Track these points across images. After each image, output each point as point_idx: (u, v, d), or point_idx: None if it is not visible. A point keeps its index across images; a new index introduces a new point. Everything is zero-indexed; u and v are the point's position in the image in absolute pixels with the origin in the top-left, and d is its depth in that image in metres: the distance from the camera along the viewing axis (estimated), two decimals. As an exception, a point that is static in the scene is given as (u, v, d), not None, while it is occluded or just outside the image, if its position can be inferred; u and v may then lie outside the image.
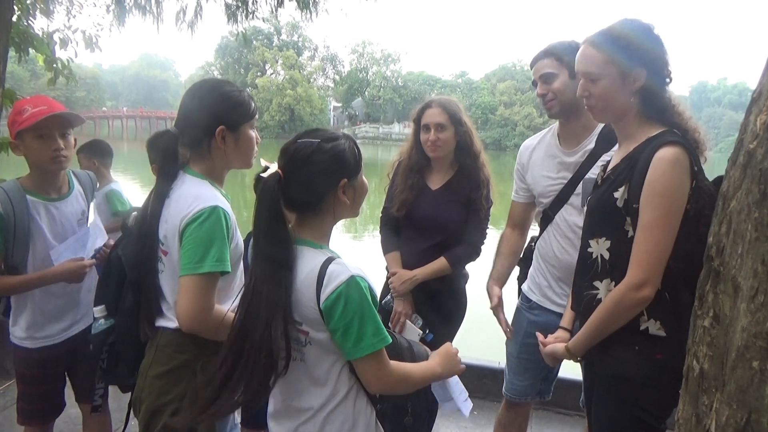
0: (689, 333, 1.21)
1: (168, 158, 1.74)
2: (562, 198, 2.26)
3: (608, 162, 1.87)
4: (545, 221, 2.36)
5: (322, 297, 1.37)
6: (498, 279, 2.46)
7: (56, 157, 2.13)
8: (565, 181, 2.24)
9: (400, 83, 66.06)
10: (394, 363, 1.45)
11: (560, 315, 2.27)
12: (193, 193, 1.67)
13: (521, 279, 2.57)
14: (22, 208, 2.10)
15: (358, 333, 1.37)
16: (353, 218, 1.67)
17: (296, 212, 1.51)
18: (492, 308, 2.40)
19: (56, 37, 4.49)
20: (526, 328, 2.42)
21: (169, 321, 1.72)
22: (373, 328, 1.39)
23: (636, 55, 1.63)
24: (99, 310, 1.94)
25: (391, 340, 1.44)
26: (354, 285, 1.37)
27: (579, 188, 2.20)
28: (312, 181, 1.45)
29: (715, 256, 1.11)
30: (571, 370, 2.50)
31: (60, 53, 4.51)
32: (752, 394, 0.93)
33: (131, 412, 1.87)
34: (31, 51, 4.13)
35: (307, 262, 1.43)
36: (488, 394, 3.65)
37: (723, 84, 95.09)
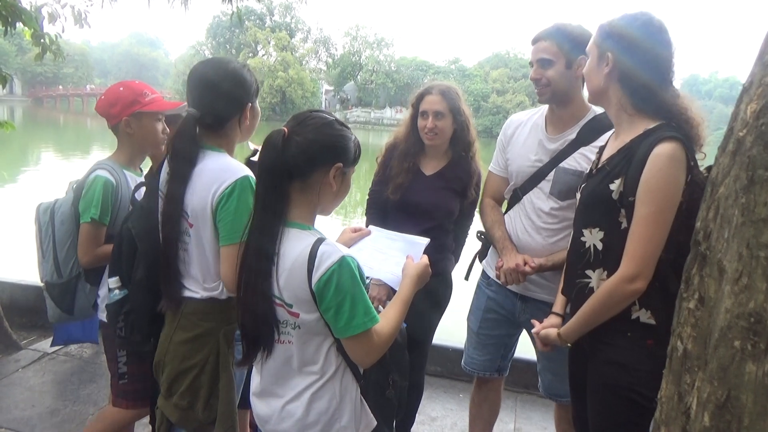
0: (674, 315, 1.25)
1: (190, 136, 1.76)
2: (533, 180, 2.27)
3: (601, 149, 1.89)
4: (514, 200, 2.37)
5: (314, 278, 1.39)
6: (510, 242, 2.31)
7: (163, 140, 2.30)
8: (541, 165, 2.25)
9: (392, 68, 65.50)
10: (377, 331, 1.46)
11: (516, 294, 2.33)
12: (219, 166, 1.74)
13: (482, 255, 2.57)
14: (124, 180, 2.26)
15: (350, 312, 1.39)
16: (340, 205, 1.68)
17: None
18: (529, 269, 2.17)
19: (44, 11, 4.40)
20: (486, 303, 2.47)
21: (194, 292, 1.81)
22: (363, 308, 1.41)
23: (613, 41, 1.69)
24: (113, 282, 2.00)
25: (380, 320, 1.46)
26: (345, 265, 1.39)
27: (551, 175, 2.21)
28: (312, 148, 1.46)
29: (702, 240, 1.14)
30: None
31: (48, 28, 4.42)
32: (733, 372, 0.96)
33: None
34: (19, 25, 4.05)
35: (296, 243, 1.44)
36: (473, 377, 3.71)
37: (714, 77, 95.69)
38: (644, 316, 1.61)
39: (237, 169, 1.73)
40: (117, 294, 1.99)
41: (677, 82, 1.74)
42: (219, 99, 1.78)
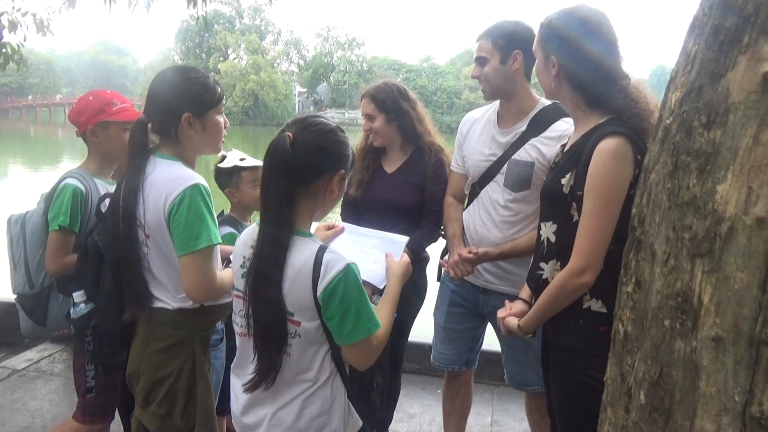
0: (616, 299, 1.29)
1: (138, 145, 1.77)
2: (489, 174, 2.32)
3: (564, 146, 1.95)
4: (473, 195, 2.42)
5: (320, 286, 1.38)
6: (459, 239, 2.40)
7: None
8: (495, 159, 2.30)
9: (365, 68, 65.36)
10: (375, 334, 1.46)
11: (477, 287, 2.38)
12: (169, 175, 1.72)
13: (445, 251, 2.59)
14: (94, 187, 2.24)
15: (356, 319, 1.40)
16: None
17: None
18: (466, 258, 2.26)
19: (4, 19, 4.31)
20: (450, 297, 2.51)
21: (164, 302, 1.79)
22: (367, 314, 1.43)
23: (554, 43, 1.74)
24: (79, 295, 1.97)
25: (381, 324, 1.47)
26: (351, 273, 1.40)
27: (504, 168, 2.26)
28: (319, 155, 1.45)
29: (637, 225, 1.19)
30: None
31: (9, 37, 4.34)
32: (664, 350, 1.01)
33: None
34: (-22, 35, 3.97)
35: (300, 251, 1.43)
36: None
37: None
38: (595, 305, 1.66)
39: (186, 177, 1.71)
40: (83, 308, 1.97)
41: (645, 73, 1.78)
42: (155, 105, 1.79)
